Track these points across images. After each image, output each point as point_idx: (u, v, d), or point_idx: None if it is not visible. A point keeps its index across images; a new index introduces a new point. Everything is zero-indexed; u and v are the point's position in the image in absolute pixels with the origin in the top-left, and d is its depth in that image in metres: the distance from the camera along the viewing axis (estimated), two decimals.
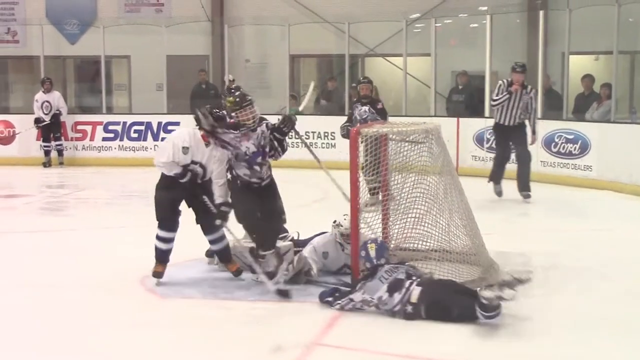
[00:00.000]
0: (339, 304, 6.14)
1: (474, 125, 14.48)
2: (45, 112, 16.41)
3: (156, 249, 7.03)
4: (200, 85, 17.85)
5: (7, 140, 16.93)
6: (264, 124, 6.91)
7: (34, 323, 6.04)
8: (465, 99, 16.02)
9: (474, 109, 15.53)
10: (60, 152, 16.57)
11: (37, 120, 16.41)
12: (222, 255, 7.23)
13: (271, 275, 6.63)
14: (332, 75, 18.38)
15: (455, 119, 14.71)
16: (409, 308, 5.85)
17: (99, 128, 16.91)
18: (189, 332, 5.79)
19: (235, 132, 6.75)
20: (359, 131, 6.69)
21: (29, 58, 19.16)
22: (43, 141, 16.51)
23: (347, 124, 11.04)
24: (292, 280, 6.88)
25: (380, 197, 10.69)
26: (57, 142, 16.51)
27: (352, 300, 6.08)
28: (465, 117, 14.94)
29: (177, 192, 6.92)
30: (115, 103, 19.12)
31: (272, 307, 6.36)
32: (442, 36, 16.36)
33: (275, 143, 6.87)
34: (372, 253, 6.30)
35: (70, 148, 16.87)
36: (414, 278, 6.06)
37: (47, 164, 16.39)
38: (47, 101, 16.43)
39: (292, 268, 6.95)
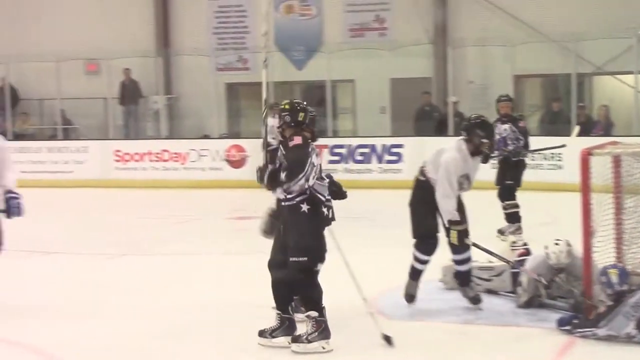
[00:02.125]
0: (580, 332, 5.97)
1: None
2: (273, 137, 16.79)
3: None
4: (424, 108, 17.94)
5: (239, 163, 17.67)
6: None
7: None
8: None
9: None
10: None
11: (268, 145, 16.78)
12: (462, 278, 7.05)
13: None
14: (557, 95, 17.98)
15: None
16: None
17: (325, 151, 17.30)
18: (415, 356, 5.80)
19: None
20: (590, 152, 6.49)
21: (258, 84, 19.61)
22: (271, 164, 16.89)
23: None
24: (526, 304, 6.76)
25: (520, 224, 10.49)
26: None
27: (595, 334, 5.89)
28: None
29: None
30: (340, 126, 19.53)
31: (503, 332, 6.27)
32: None
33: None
34: (614, 279, 5.97)
35: None
36: None
37: None
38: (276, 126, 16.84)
39: (522, 292, 6.83)
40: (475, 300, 6.93)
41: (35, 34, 20.93)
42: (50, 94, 20.05)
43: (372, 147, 16.96)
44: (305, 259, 6.03)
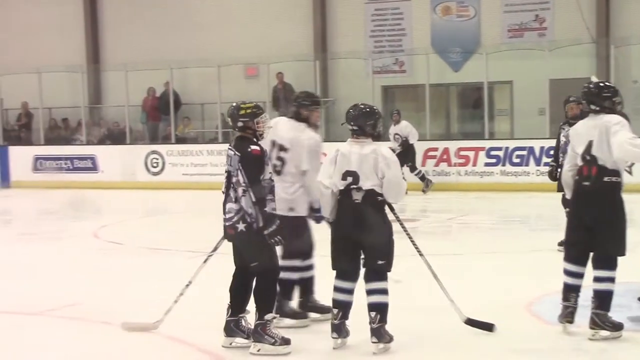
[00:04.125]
0: None
1: None
2: (398, 144, 16.59)
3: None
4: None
5: None
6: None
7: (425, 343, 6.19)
8: None
9: None
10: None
11: (392, 151, 16.40)
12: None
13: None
14: None
15: None
16: None
17: (481, 153, 17.14)
18: None
19: None
20: None
21: (414, 87, 20.04)
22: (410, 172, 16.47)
23: (552, 161, 10.11)
24: None
25: None
26: (415, 172, 16.50)
27: None
28: None
29: None
30: (497, 128, 19.31)
31: None
32: None
33: None
34: None
35: (453, 173, 17.25)
36: None
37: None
38: (397, 133, 16.68)
39: None
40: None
41: (197, 40, 21.72)
42: (211, 98, 20.64)
43: (530, 150, 16.65)
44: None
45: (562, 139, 9.69)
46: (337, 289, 5.97)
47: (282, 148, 6.56)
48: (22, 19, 23.79)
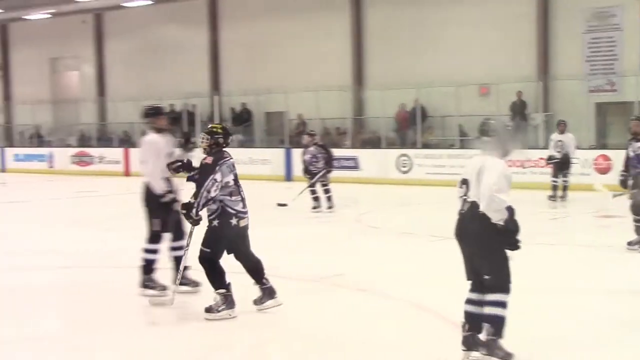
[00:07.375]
0: None
1: None
2: (558, 150, 16.86)
3: None
4: None
5: (605, 170, 18.96)
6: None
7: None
8: None
9: None
10: (563, 188, 16.73)
11: (550, 158, 16.96)
12: None
13: None
14: None
15: None
16: None
17: None
18: None
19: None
20: None
21: (624, 104, 21.12)
22: (552, 177, 17.03)
23: (623, 171, 10.22)
24: None
25: None
26: (564, 179, 16.85)
27: None
28: None
29: None
30: None
31: None
32: None
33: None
34: None
35: None
36: None
37: (553, 197, 16.68)
38: (560, 140, 16.83)
39: None
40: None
41: (439, 63, 23.89)
42: (450, 112, 22.98)
43: None
44: (208, 250, 6.89)
45: (630, 153, 10.07)
46: (466, 300, 5.59)
47: None
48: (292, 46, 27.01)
